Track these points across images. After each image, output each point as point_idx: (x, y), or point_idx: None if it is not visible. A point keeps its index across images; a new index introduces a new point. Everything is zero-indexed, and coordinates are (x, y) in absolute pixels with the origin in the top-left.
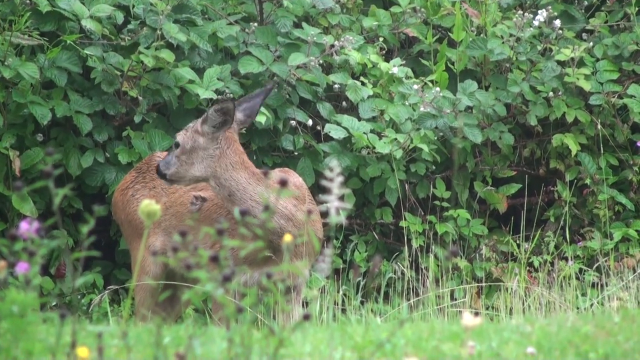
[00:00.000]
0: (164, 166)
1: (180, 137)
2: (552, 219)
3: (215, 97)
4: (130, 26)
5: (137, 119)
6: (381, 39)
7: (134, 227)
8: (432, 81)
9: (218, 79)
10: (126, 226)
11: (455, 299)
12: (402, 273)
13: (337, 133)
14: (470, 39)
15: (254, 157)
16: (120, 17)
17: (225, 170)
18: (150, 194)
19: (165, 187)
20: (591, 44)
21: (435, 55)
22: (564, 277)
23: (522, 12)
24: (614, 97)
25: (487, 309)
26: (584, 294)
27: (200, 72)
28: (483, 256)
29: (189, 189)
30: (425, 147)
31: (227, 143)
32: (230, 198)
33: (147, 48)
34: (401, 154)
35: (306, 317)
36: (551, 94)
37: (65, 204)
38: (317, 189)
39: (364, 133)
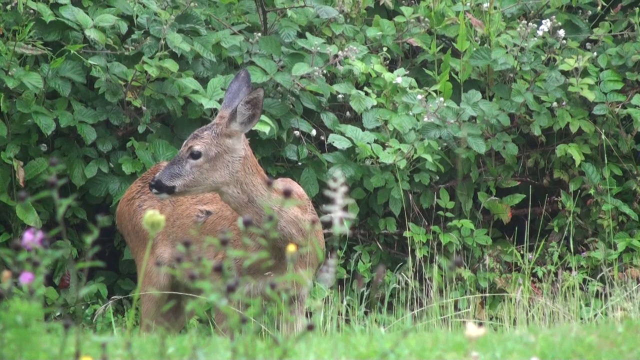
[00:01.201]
0: (168, 178)
1: (200, 146)
2: (556, 229)
3: (219, 107)
4: (134, 36)
5: (141, 129)
6: (385, 49)
7: (141, 238)
8: (435, 91)
9: (222, 88)
10: (133, 237)
11: (459, 309)
12: (406, 283)
13: (340, 143)
14: (474, 48)
15: None
16: (124, 27)
17: (249, 173)
18: (157, 205)
19: (173, 197)
20: (595, 53)
21: (439, 65)
22: (568, 288)
23: (526, 21)
24: (617, 107)
25: (490, 319)
26: (587, 304)
27: (204, 82)
28: (487, 266)
29: (195, 201)
30: (429, 158)
31: (246, 144)
32: (249, 205)
33: (151, 58)
34: (405, 164)
35: (310, 328)
36: (555, 104)
37: (69, 214)
38: (321, 199)
39: (368, 143)
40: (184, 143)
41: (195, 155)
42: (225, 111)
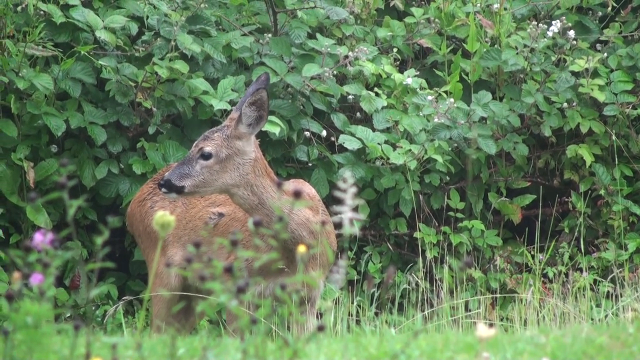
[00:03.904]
0: (178, 178)
1: (211, 147)
2: (566, 230)
3: (229, 108)
4: (144, 37)
5: (151, 130)
6: (395, 50)
7: (152, 239)
8: (446, 92)
9: (232, 89)
10: (144, 238)
11: (470, 310)
12: (417, 284)
13: (351, 144)
14: (485, 49)
15: None
16: (134, 28)
17: (258, 175)
18: (169, 206)
19: (184, 199)
20: (605, 54)
21: (449, 66)
22: (579, 288)
23: (536, 22)
24: (628, 107)
25: (501, 320)
26: (598, 305)
27: (214, 82)
28: (497, 267)
29: (208, 203)
30: (439, 158)
31: (257, 146)
32: (260, 207)
33: (161, 59)
34: (415, 164)
35: (320, 328)
36: (565, 104)
37: (80, 215)
38: (332, 200)
39: (378, 144)
40: (195, 144)
41: (206, 156)
42: (235, 113)
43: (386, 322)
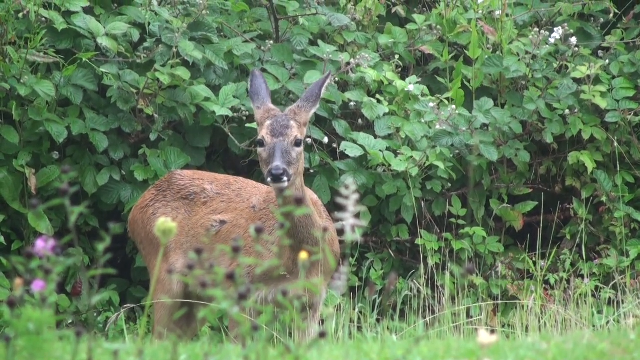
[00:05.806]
0: (288, 166)
1: (300, 134)
2: (568, 237)
3: (231, 114)
4: (146, 44)
5: (152, 136)
6: (397, 57)
7: (154, 246)
8: (448, 99)
9: (234, 96)
10: (146, 244)
11: (471, 317)
12: (418, 290)
13: (352, 151)
14: (486, 56)
15: None
16: (136, 35)
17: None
18: (171, 213)
19: (187, 207)
20: (607, 61)
21: (451, 72)
22: (580, 295)
23: (538, 29)
24: (630, 114)
25: (503, 326)
26: (600, 312)
27: (216, 89)
28: (499, 274)
29: (209, 211)
30: (441, 165)
31: None
32: (302, 200)
33: (163, 66)
34: (417, 171)
35: (322, 335)
36: (567, 111)
37: (81, 221)
38: (333, 207)
39: (380, 151)
40: (271, 132)
41: (298, 144)
42: (268, 104)
43: (388, 328)
